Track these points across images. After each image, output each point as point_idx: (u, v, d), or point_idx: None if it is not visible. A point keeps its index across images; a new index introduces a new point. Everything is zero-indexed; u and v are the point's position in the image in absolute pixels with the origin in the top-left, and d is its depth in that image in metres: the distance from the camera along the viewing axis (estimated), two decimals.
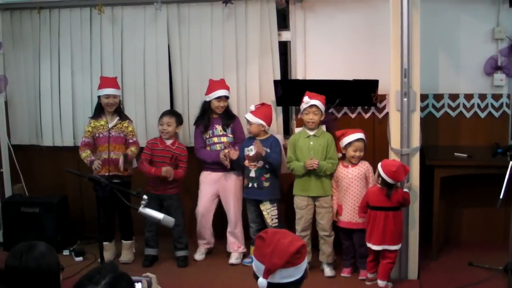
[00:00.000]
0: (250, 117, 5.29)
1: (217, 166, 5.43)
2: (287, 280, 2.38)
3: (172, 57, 5.84)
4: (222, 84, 5.44)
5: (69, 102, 6.02)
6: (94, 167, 5.27)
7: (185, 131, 5.84)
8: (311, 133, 5.17)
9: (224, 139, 5.44)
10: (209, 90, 5.42)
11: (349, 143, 5.04)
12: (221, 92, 5.38)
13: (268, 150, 5.24)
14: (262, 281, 2.38)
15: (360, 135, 5.05)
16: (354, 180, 5.02)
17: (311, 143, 5.14)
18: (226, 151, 5.35)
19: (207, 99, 5.43)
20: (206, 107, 5.46)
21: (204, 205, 5.55)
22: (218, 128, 5.44)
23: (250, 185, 5.33)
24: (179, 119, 5.50)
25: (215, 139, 5.45)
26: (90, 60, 5.94)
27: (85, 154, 5.39)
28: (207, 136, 5.46)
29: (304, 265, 2.43)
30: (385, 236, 4.74)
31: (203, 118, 5.47)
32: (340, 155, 5.15)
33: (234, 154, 5.32)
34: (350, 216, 5.04)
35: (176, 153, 5.39)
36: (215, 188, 5.53)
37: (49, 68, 6.01)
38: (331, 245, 5.16)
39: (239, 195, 5.51)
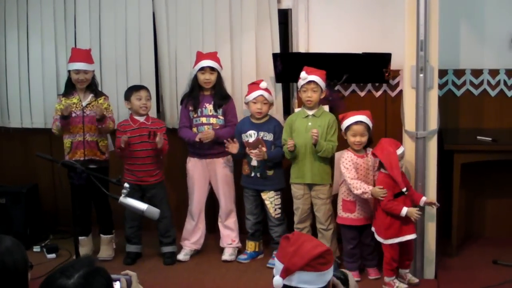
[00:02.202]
0: (267, 95, 5.27)
1: (203, 151, 5.41)
2: (305, 286, 2.39)
3: (157, 26, 5.81)
4: (208, 55, 5.42)
5: (39, 77, 5.99)
6: (66, 108, 5.24)
7: (173, 110, 5.82)
8: (310, 112, 5.16)
9: (213, 120, 5.42)
10: (195, 63, 5.42)
11: (348, 127, 4.96)
12: (204, 63, 5.34)
13: (271, 137, 5.26)
14: (277, 279, 2.40)
15: (360, 117, 4.93)
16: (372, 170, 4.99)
17: (310, 123, 5.12)
18: (205, 135, 5.32)
19: (193, 72, 5.43)
20: (194, 83, 5.44)
21: (198, 204, 5.56)
22: (208, 108, 5.42)
23: (252, 174, 5.33)
24: (150, 94, 5.50)
25: (203, 119, 5.42)
26: (65, 30, 5.89)
27: (55, 124, 5.35)
28: (195, 115, 5.44)
29: (328, 275, 2.43)
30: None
31: (191, 95, 5.45)
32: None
33: (234, 147, 5.27)
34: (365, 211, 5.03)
35: (153, 129, 5.35)
36: (206, 178, 5.53)
37: (16, 38, 5.97)
38: (329, 239, 5.15)
39: (230, 182, 5.52)
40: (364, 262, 5.14)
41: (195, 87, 5.44)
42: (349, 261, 5.07)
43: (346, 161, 4.95)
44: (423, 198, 4.80)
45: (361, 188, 4.84)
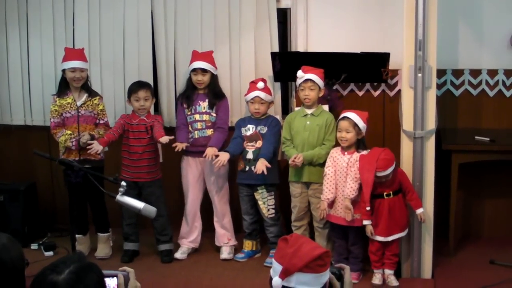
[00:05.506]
0: (264, 95, 5.31)
1: (196, 149, 5.43)
2: (303, 287, 2.42)
3: (155, 26, 5.81)
4: (202, 55, 5.44)
5: (39, 76, 5.99)
6: (83, 142, 5.24)
7: (170, 109, 5.83)
8: (309, 111, 5.18)
9: (206, 117, 5.43)
10: (190, 62, 5.45)
11: (337, 123, 5.01)
12: (196, 64, 5.37)
13: (264, 130, 5.30)
14: (276, 280, 2.43)
15: (346, 113, 4.92)
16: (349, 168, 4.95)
17: (308, 122, 5.15)
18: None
19: (188, 72, 5.47)
20: (189, 82, 5.49)
21: (193, 203, 5.57)
22: (202, 105, 5.44)
23: (246, 168, 5.35)
24: (153, 92, 5.49)
25: (197, 116, 5.44)
26: (65, 30, 5.89)
27: (64, 137, 5.34)
28: (189, 113, 5.46)
29: (325, 277, 2.48)
30: None
31: (186, 93, 5.49)
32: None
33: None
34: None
35: (151, 122, 5.36)
36: (201, 176, 5.54)
37: (17, 37, 5.97)
38: (325, 238, 5.18)
39: (224, 183, 5.54)
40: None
41: (189, 86, 5.47)
42: (336, 259, 5.02)
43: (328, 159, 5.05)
44: (420, 210, 4.81)
45: (323, 194, 4.95)
